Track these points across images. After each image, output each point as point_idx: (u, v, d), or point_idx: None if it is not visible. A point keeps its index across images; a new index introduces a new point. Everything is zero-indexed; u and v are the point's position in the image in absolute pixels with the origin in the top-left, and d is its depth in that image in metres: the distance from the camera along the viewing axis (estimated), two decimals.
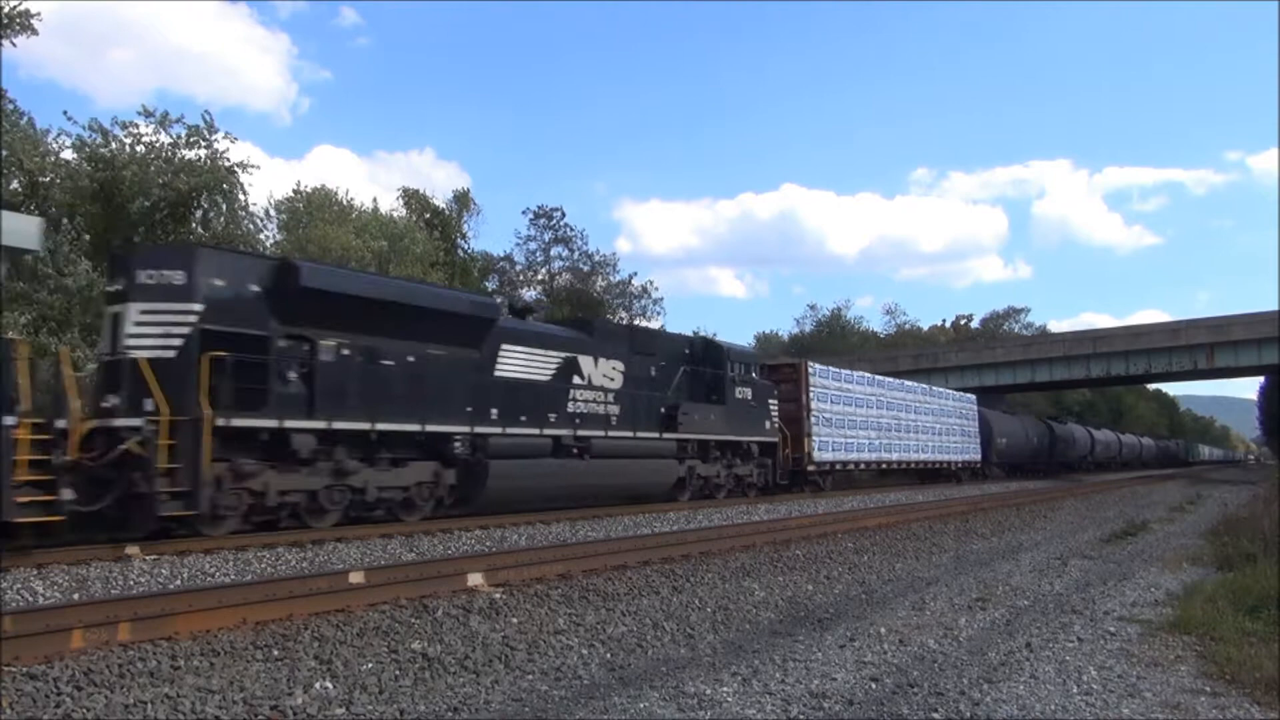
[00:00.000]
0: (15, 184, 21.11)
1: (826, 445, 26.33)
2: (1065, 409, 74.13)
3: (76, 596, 8.11)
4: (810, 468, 25.52)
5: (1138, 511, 21.38)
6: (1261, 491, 27.19)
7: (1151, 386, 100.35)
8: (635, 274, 51.11)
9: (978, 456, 38.65)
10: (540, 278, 47.32)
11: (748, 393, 22.29)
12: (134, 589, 8.59)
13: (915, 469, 33.60)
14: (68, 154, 22.64)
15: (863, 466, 29.21)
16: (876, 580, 10.13)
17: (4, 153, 20.24)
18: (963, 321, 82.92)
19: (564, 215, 47.10)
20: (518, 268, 46.96)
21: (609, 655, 6.40)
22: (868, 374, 31.07)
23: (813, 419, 25.56)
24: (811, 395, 25.63)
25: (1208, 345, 45.57)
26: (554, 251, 47.29)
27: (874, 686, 5.61)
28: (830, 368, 28.57)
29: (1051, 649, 6.64)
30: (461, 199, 41.27)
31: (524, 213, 51.70)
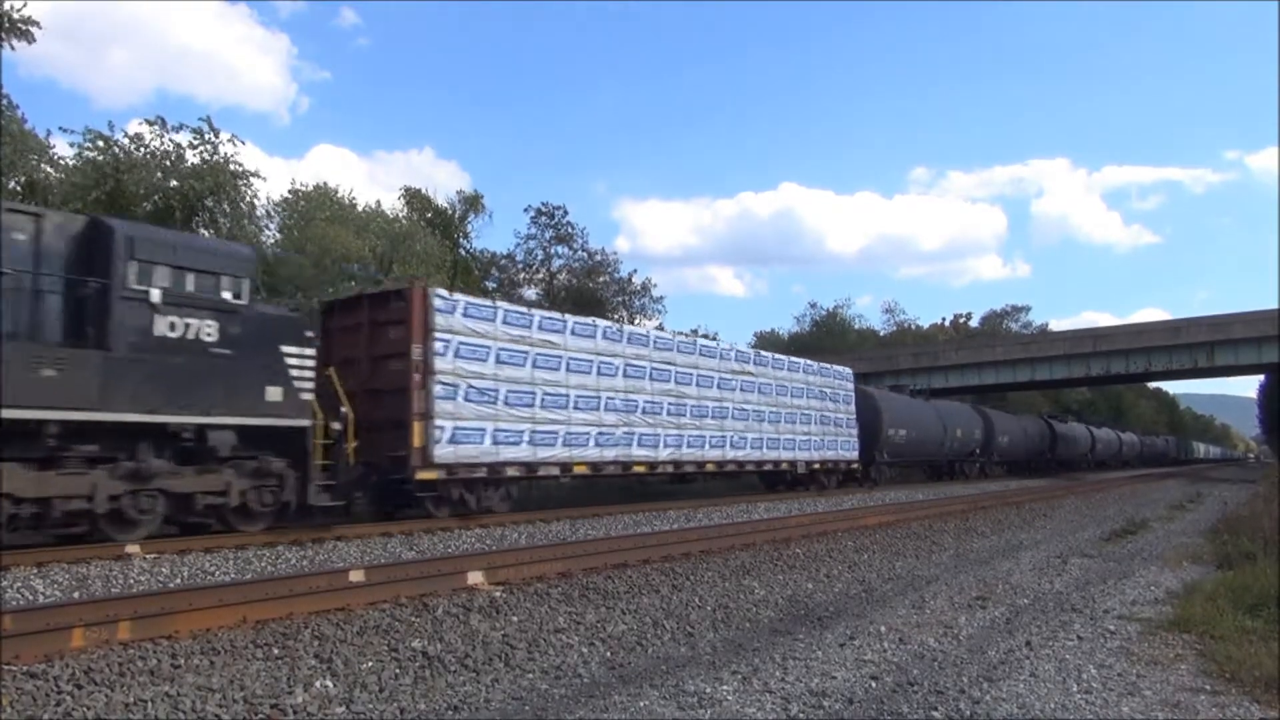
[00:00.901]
0: (13, 183, 21.12)
1: (478, 435, 15.37)
2: (1065, 408, 73.93)
3: (77, 595, 8.12)
4: (427, 475, 14.49)
5: (1138, 510, 21.39)
6: (1261, 490, 27.19)
7: (1152, 385, 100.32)
8: (635, 271, 51.08)
9: (854, 454, 28.28)
10: (540, 276, 47.38)
11: (206, 329, 11.48)
12: (134, 588, 8.59)
13: (723, 473, 22.68)
14: (66, 152, 22.70)
15: (576, 470, 17.54)
16: (876, 579, 10.13)
17: (3, 151, 20.27)
18: (962, 320, 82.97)
19: (566, 213, 47.15)
20: (517, 265, 47.05)
21: (609, 654, 6.40)
22: (603, 322, 19.54)
23: (439, 388, 14.69)
24: (436, 346, 14.77)
25: (1208, 344, 45.57)
26: (554, 250, 47.35)
27: (874, 685, 5.62)
28: (502, 306, 16.78)
29: (1051, 647, 6.65)
30: (471, 200, 41.25)
31: (525, 210, 51.72)
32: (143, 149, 22.34)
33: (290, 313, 14.02)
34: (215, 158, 22.76)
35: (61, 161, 22.65)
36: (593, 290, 46.62)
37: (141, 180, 21.71)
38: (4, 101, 21.57)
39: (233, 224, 23.48)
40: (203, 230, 22.94)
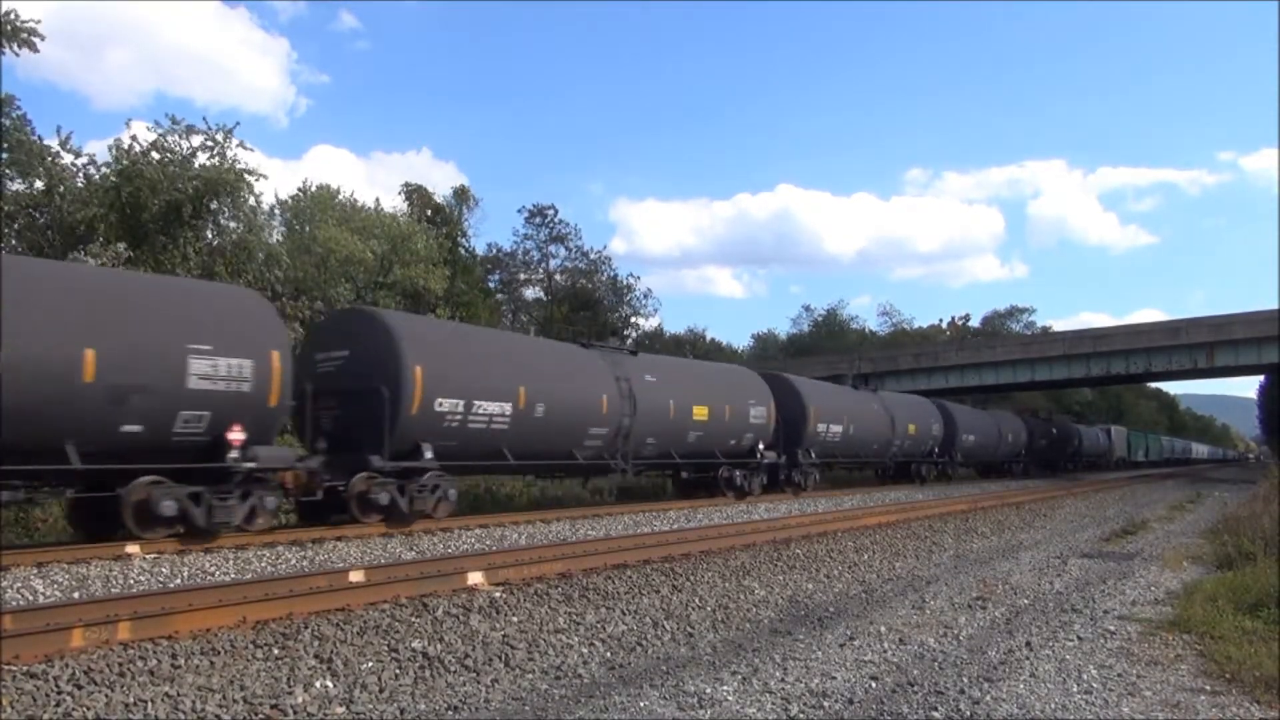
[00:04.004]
0: (26, 187, 21.16)
1: None
2: (1066, 408, 73.78)
3: (77, 595, 8.11)
4: None
5: (1138, 510, 21.40)
6: (1261, 490, 27.17)
7: (1152, 385, 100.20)
8: (630, 273, 51.72)
9: None
10: (539, 275, 47.58)
11: None
12: (134, 588, 8.58)
13: None
14: (92, 157, 22.73)
15: None
16: (876, 579, 10.13)
17: (4, 155, 20.23)
18: (959, 321, 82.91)
19: (557, 212, 47.53)
20: (517, 263, 47.26)
21: (609, 654, 6.40)
22: None
23: None
24: None
25: (1208, 344, 45.53)
26: (551, 250, 47.60)
27: (874, 685, 5.62)
28: None
29: (1051, 648, 6.65)
30: (461, 194, 41.15)
31: (519, 210, 52.30)
32: (163, 156, 22.35)
33: None
34: (225, 161, 22.74)
35: (72, 165, 22.60)
36: (590, 290, 46.77)
37: (154, 183, 21.74)
38: (5, 108, 21.51)
39: (241, 226, 23.45)
40: (212, 239, 23.01)
